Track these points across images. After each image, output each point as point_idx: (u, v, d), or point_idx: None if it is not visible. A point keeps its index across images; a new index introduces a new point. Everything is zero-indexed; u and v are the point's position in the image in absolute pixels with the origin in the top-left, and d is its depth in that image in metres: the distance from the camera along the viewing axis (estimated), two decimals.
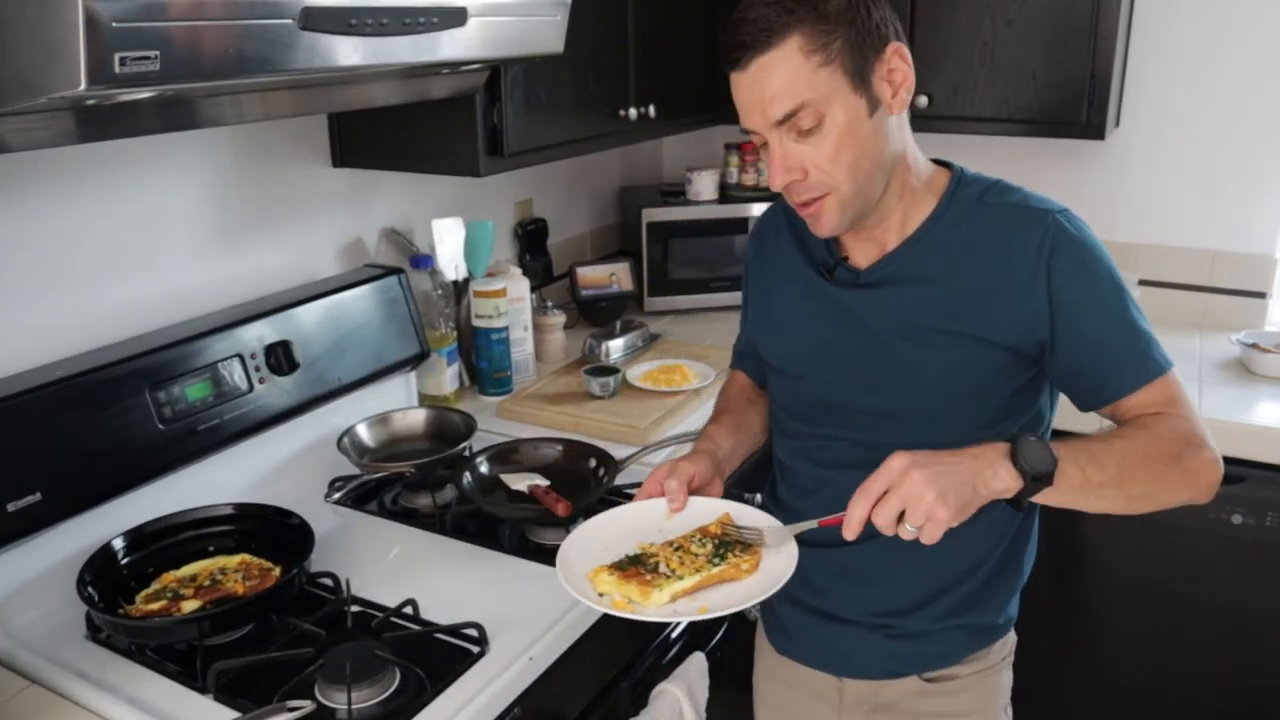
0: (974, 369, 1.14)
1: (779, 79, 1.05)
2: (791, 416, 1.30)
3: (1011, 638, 1.35)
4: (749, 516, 1.16)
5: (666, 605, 1.03)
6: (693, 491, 1.18)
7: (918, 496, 0.95)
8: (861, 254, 1.21)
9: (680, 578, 1.05)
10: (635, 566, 1.07)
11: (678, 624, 1.55)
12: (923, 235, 1.17)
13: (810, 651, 1.34)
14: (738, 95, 1.10)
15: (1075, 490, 1.02)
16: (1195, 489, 1.08)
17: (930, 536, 0.96)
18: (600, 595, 1.05)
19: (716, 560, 1.07)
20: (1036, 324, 1.11)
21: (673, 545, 1.10)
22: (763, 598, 1.04)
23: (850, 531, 0.99)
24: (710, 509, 1.17)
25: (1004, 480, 0.98)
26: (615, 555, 1.10)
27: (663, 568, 1.06)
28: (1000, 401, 1.16)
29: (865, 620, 1.27)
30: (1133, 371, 1.11)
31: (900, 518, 0.97)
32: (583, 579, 1.07)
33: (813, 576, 1.29)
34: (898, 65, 1.08)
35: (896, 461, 0.97)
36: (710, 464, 1.22)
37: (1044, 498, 1.02)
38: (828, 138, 1.07)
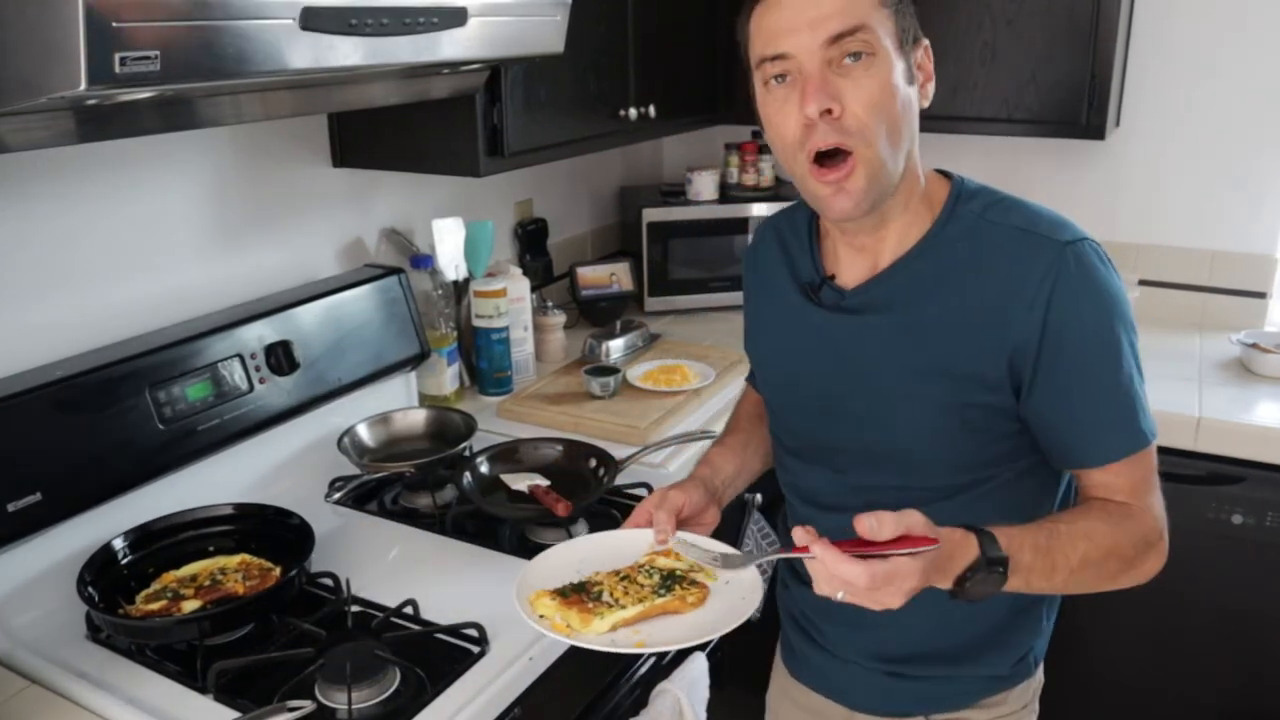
0: (961, 406, 1.06)
1: None
2: (782, 449, 1.26)
3: (1036, 680, 1.26)
4: (717, 548, 1.09)
5: (605, 634, 1.00)
6: (682, 521, 1.12)
7: (885, 603, 0.89)
8: (851, 270, 1.13)
9: (623, 607, 1.01)
10: (578, 594, 1.04)
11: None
12: (917, 255, 1.08)
13: (818, 682, 1.30)
14: (775, 16, 0.99)
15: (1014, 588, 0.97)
16: (1136, 582, 1.06)
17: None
18: (540, 617, 1.02)
19: (662, 591, 1.03)
20: (1020, 361, 1.02)
21: (619, 574, 1.07)
22: (701, 640, 0.98)
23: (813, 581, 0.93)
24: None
25: (945, 586, 0.94)
26: (582, 578, 1.07)
27: (605, 596, 1.03)
28: (990, 443, 1.08)
29: (862, 662, 1.22)
30: (1112, 442, 1.04)
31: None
32: (525, 602, 1.03)
33: (808, 613, 1.25)
34: (924, 62, 1.07)
35: (906, 566, 0.87)
36: (703, 492, 1.17)
37: None
38: (873, 76, 0.99)
